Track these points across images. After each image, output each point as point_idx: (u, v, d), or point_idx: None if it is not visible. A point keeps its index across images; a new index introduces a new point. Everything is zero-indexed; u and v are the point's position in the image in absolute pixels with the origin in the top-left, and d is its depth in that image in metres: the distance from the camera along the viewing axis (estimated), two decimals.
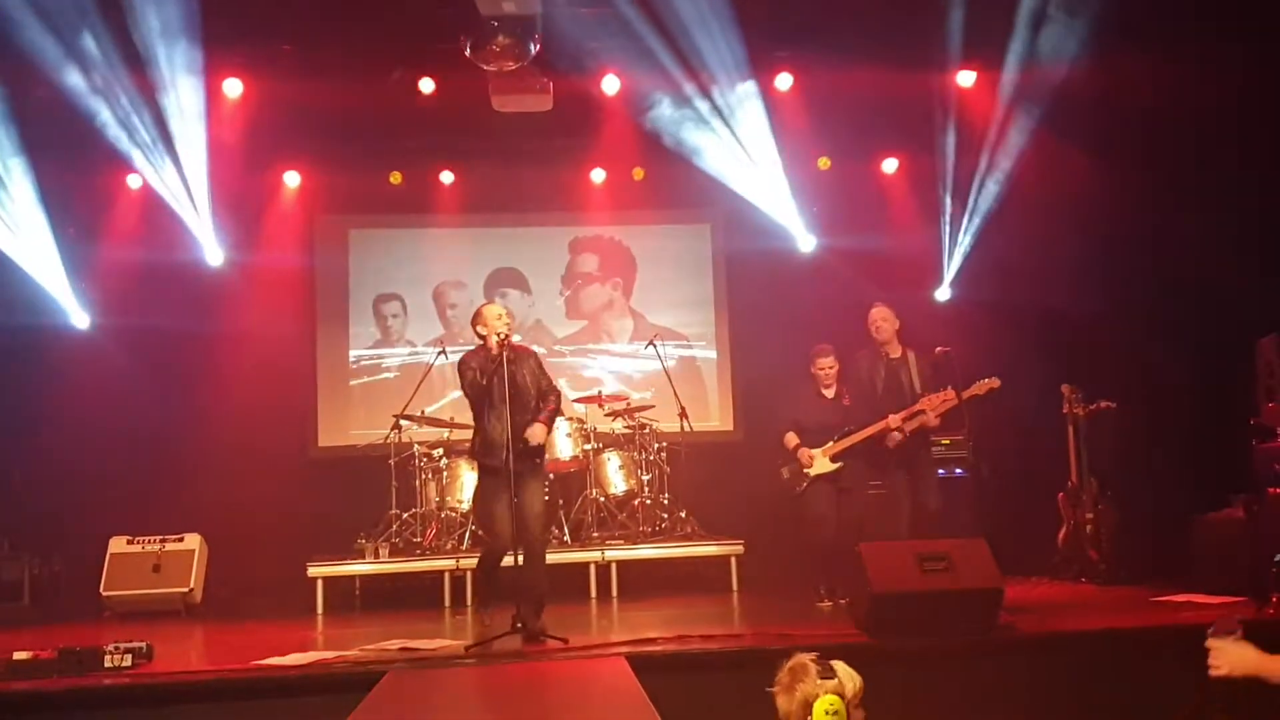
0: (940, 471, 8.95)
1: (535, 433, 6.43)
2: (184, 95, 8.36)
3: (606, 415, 9.51)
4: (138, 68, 8.03)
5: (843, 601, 6.83)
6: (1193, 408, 8.27)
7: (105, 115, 8.48)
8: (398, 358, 10.70)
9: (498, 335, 6.45)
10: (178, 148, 8.84)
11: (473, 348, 6.74)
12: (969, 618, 5.79)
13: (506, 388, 6.32)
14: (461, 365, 6.67)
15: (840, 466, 7.30)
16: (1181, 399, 8.32)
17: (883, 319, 7.64)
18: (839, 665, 2.78)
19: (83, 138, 8.73)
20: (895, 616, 5.71)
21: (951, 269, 9.90)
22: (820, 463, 7.32)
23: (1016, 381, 8.63)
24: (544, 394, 6.63)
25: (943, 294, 9.98)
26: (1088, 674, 5.55)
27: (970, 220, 9.62)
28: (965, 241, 9.70)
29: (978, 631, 5.76)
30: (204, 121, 8.69)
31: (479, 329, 6.65)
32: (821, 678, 2.74)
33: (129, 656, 5.58)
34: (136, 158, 8.91)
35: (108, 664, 5.54)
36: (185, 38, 7.69)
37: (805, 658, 2.79)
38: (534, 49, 7.59)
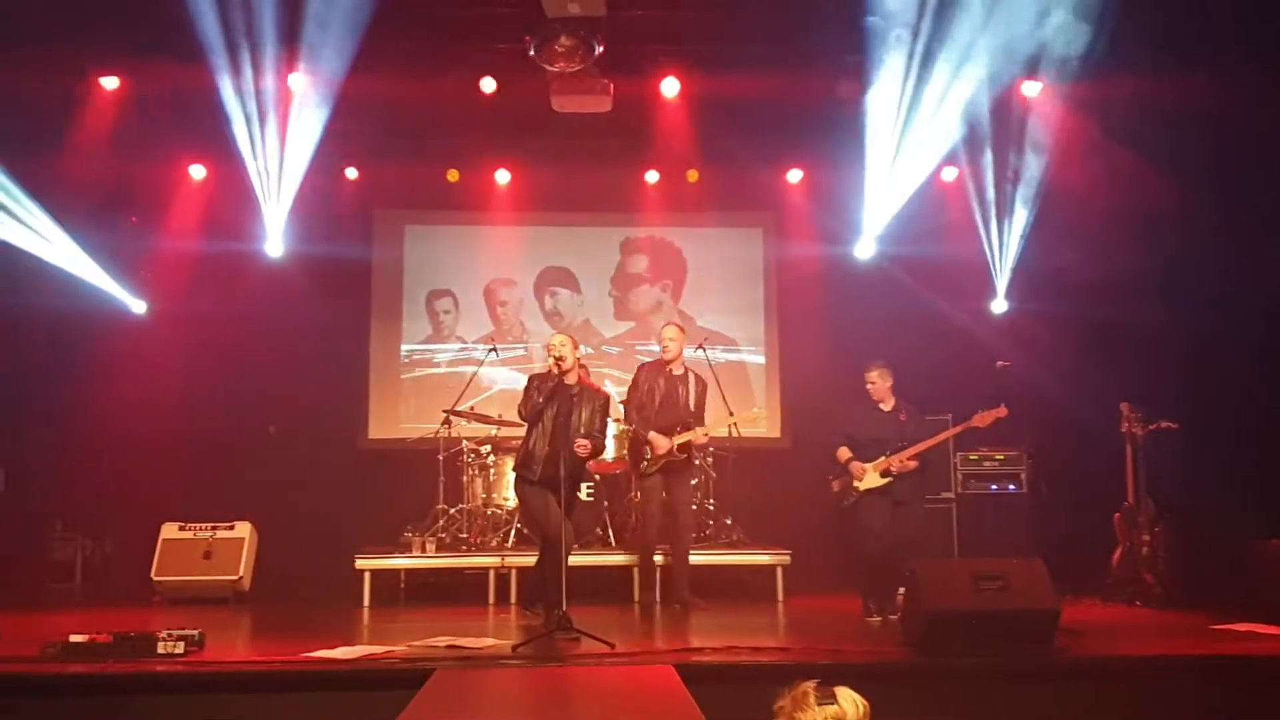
0: (992, 487, 8.91)
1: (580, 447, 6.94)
2: (260, 88, 8.45)
3: None
4: (208, 60, 8.09)
5: (892, 617, 6.76)
6: (1256, 431, 8.09)
7: (174, 106, 8.57)
8: (448, 353, 10.76)
9: (550, 361, 6.98)
10: (253, 140, 8.92)
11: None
12: (1023, 639, 5.70)
13: (557, 416, 6.96)
14: (528, 383, 7.17)
15: (890, 481, 7.25)
16: (1244, 421, 8.15)
17: (670, 338, 8.01)
18: (842, 691, 2.72)
19: (152, 127, 8.84)
20: (948, 635, 5.64)
21: (1003, 280, 9.75)
22: (870, 477, 7.27)
23: (1074, 397, 8.56)
24: (590, 435, 7.04)
25: (999, 306, 9.84)
26: (1143, 701, 5.44)
27: (1024, 231, 9.47)
28: (1015, 253, 9.54)
29: (1032, 653, 5.67)
30: (278, 115, 8.77)
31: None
32: (820, 703, 2.69)
33: (181, 644, 5.61)
34: (206, 148, 9.00)
35: (161, 650, 5.57)
36: (260, 33, 7.76)
37: (806, 685, 2.75)
38: (597, 50, 7.60)
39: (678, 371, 7.98)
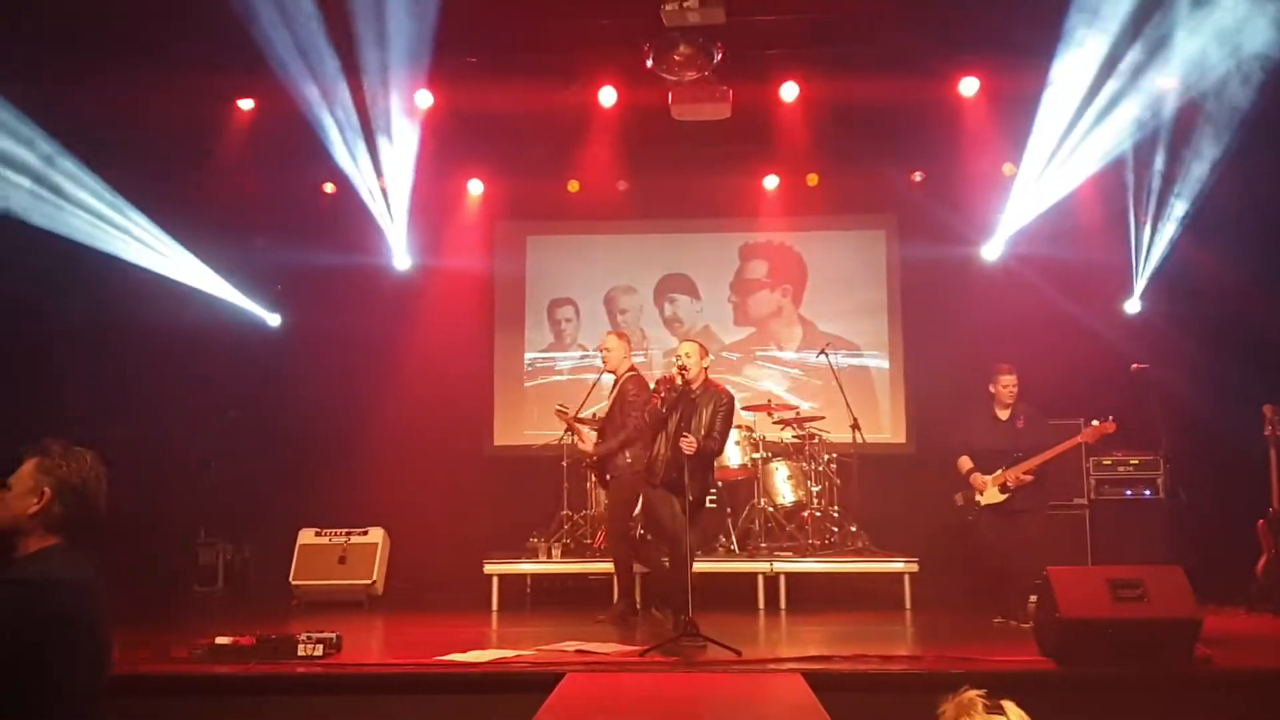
0: (1127, 493, 8.66)
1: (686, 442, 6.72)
2: (386, 107, 8.69)
3: (775, 424, 9.44)
4: (335, 80, 8.34)
5: (1025, 625, 6.63)
6: None
7: (303, 126, 8.87)
8: (569, 360, 10.89)
9: (671, 371, 6.98)
10: (374, 157, 9.18)
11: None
12: (1163, 649, 5.54)
13: (680, 421, 6.84)
14: (654, 389, 7.21)
15: (1010, 496, 7.14)
16: None
17: (603, 349, 7.78)
18: (1009, 705, 2.65)
19: (280, 147, 9.17)
20: (1084, 644, 5.50)
21: (1142, 280, 9.43)
22: (990, 492, 7.21)
23: (1213, 401, 8.26)
24: (708, 435, 6.85)
25: (1133, 306, 9.53)
26: None
27: (1165, 231, 9.13)
28: (1159, 253, 9.20)
29: (1172, 664, 5.50)
30: (398, 132, 9.01)
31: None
32: (988, 713, 2.62)
33: (320, 646, 5.82)
34: (335, 165, 9.30)
35: (301, 653, 5.79)
36: (381, 51, 7.97)
37: (973, 693, 2.68)
38: (716, 58, 7.61)
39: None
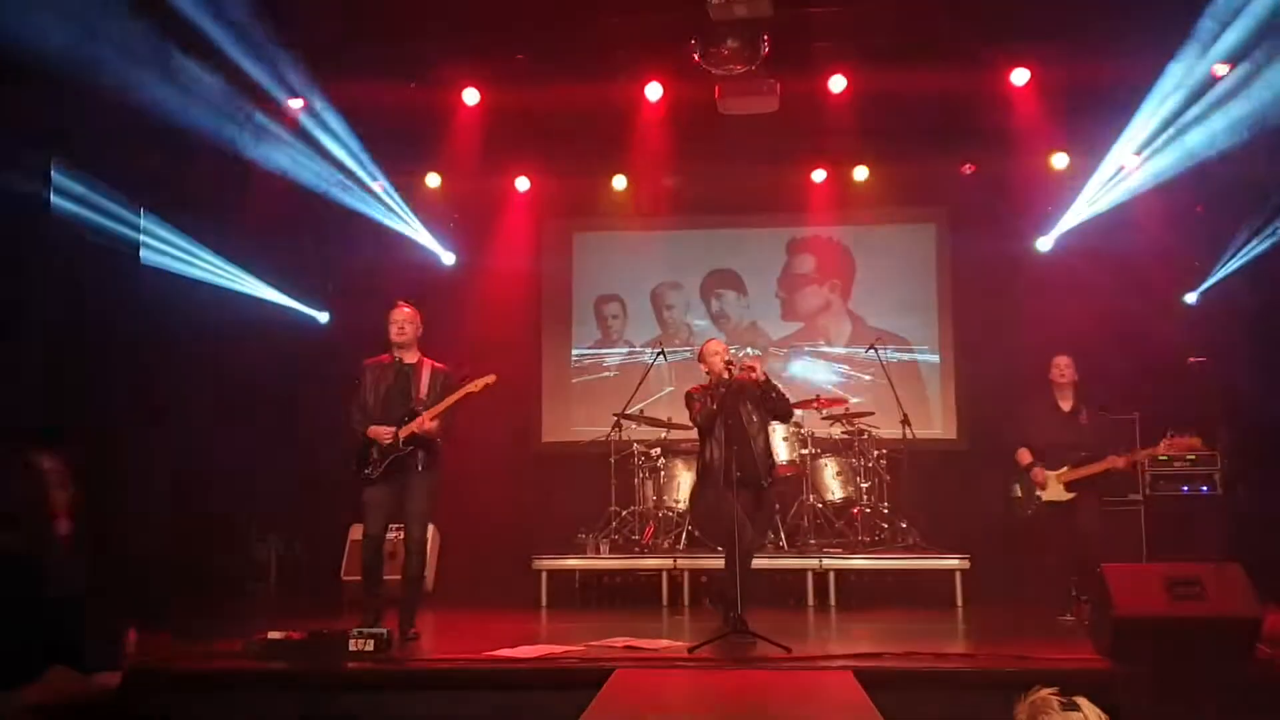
0: (1184, 489, 8.51)
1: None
2: (432, 104, 8.73)
3: (824, 419, 9.39)
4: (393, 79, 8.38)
5: (1067, 619, 6.56)
6: None
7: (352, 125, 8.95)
8: (617, 357, 10.90)
9: (716, 370, 6.82)
10: (419, 154, 9.23)
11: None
12: (1222, 648, 5.42)
13: (729, 420, 6.72)
14: (688, 397, 7.03)
15: (1075, 496, 7.01)
16: None
17: (406, 320, 6.94)
18: (1083, 701, 2.62)
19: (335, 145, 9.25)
20: (1140, 642, 5.40)
21: (1216, 275, 9.15)
22: (1054, 488, 7.06)
23: (1274, 395, 8.08)
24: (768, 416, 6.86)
25: (1191, 299, 9.34)
26: None
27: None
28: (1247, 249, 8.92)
29: (1232, 664, 5.39)
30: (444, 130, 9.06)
31: (702, 367, 7.02)
32: (1064, 710, 2.60)
33: (371, 642, 5.86)
34: (380, 161, 9.37)
35: (352, 648, 5.83)
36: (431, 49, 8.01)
37: (1046, 691, 2.65)
38: (763, 51, 7.55)
39: (410, 360, 7.33)
